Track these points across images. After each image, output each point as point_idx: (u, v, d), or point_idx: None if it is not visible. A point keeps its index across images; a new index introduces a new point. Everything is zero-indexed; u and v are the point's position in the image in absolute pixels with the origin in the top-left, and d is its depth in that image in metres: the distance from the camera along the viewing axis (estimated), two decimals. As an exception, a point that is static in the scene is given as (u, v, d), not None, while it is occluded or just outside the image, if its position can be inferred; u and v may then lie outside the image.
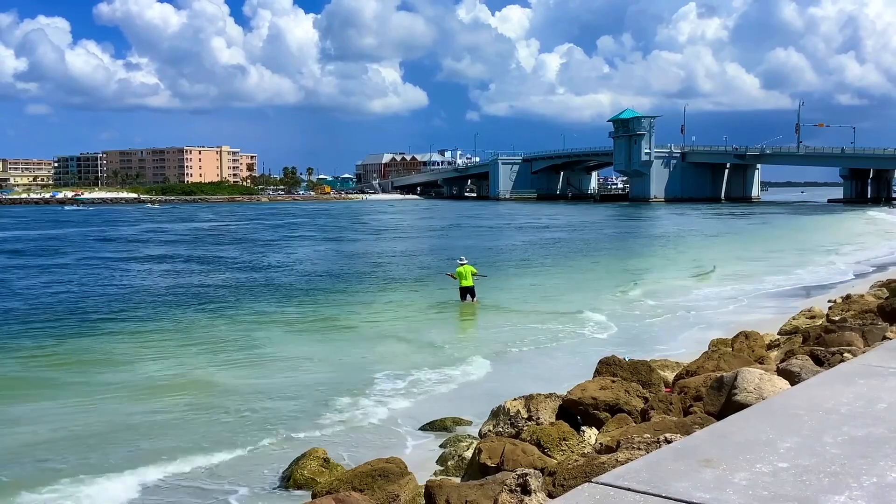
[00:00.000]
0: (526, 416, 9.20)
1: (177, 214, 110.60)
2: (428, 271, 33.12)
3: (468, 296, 22.61)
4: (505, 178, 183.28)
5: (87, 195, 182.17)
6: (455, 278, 22.99)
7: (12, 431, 11.17)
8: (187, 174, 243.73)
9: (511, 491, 5.62)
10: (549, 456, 7.67)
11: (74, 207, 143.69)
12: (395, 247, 49.17)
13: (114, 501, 8.64)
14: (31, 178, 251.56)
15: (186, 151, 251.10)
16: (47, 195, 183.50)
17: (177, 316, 21.50)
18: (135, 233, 66.84)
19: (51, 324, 20.29)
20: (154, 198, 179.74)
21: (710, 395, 8.25)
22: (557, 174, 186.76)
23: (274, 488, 8.80)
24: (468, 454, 8.53)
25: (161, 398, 12.92)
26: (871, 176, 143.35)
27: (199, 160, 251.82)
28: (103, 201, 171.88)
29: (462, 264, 22.92)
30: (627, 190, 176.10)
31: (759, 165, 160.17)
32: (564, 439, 8.05)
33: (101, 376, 14.53)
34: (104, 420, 11.72)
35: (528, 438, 8.07)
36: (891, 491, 3.71)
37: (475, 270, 23.10)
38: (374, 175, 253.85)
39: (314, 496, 7.60)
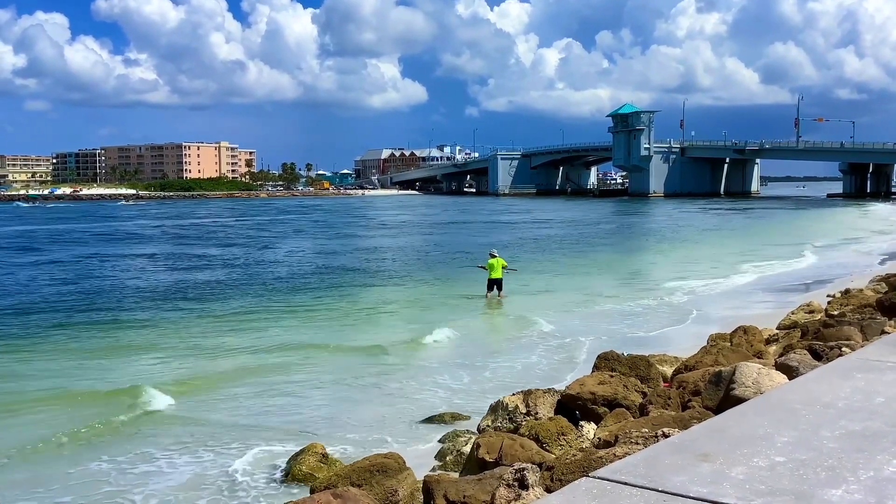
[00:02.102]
0: (524, 411, 9.20)
1: (157, 215, 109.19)
2: (443, 265, 33.75)
3: (495, 288, 23.19)
4: (504, 174, 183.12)
5: (85, 191, 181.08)
6: (486, 270, 23.63)
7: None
8: (186, 170, 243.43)
9: (509, 485, 5.62)
10: (548, 451, 7.66)
11: (30, 205, 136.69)
12: (402, 242, 49.55)
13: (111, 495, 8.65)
14: (29, 175, 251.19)
15: (185, 147, 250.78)
16: (45, 191, 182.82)
17: (168, 314, 21.51)
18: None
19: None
20: (128, 193, 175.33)
21: (709, 389, 8.25)
22: (556, 169, 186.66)
23: (272, 484, 8.81)
24: (466, 449, 8.52)
25: (159, 392, 12.94)
26: (870, 170, 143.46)
27: (198, 156, 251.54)
28: (60, 197, 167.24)
29: (493, 257, 23.51)
30: (627, 185, 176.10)
31: (758, 160, 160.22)
32: (563, 434, 8.04)
33: (102, 368, 14.56)
34: (95, 413, 11.76)
35: (527, 433, 8.06)
36: (887, 485, 3.70)
37: (505, 263, 23.63)
38: (373, 171, 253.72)
39: (312, 491, 7.59)
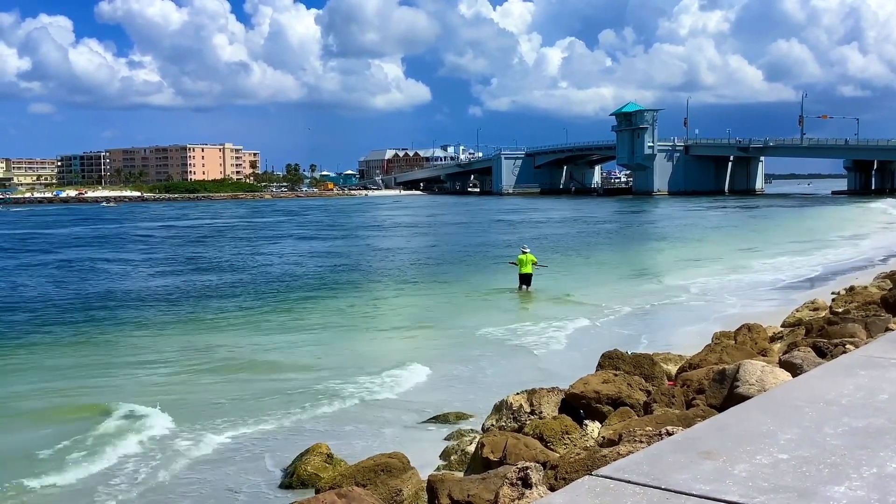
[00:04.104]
0: (528, 410, 9.20)
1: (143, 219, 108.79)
2: (466, 262, 34.89)
3: (524, 283, 23.84)
4: (508, 173, 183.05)
5: (90, 194, 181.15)
6: (516, 265, 24.33)
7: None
8: (190, 172, 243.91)
9: (512, 484, 5.63)
10: (552, 450, 7.67)
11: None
12: (418, 241, 50.12)
13: (119, 494, 8.68)
14: (34, 178, 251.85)
15: (189, 149, 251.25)
16: (50, 194, 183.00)
17: (177, 310, 21.57)
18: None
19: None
20: (111, 195, 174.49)
21: (713, 387, 8.24)
22: (560, 168, 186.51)
23: (277, 484, 8.82)
24: (471, 448, 8.52)
25: (166, 388, 13.02)
26: (875, 167, 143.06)
27: (202, 158, 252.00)
28: (65, 200, 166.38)
29: (524, 252, 24.21)
30: (631, 184, 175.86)
31: (762, 158, 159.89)
32: (567, 433, 8.04)
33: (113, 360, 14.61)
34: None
35: (531, 432, 8.06)
36: (890, 481, 3.70)
37: (535, 260, 24.37)
38: (377, 171, 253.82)
39: (317, 492, 7.61)
